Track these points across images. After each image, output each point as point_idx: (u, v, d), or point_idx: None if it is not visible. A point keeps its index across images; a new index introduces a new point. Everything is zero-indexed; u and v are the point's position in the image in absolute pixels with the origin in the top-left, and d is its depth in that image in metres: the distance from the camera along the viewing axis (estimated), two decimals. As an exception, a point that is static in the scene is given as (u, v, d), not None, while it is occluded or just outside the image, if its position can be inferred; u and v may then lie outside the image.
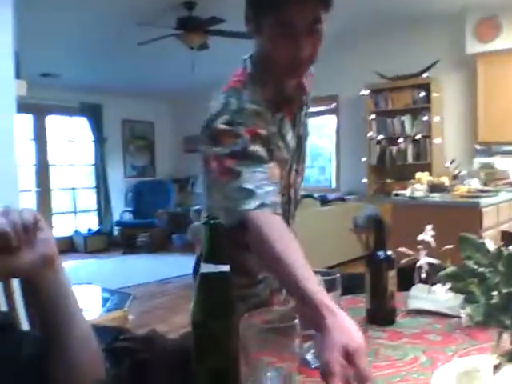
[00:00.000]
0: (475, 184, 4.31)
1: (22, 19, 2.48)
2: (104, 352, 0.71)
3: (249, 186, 1.02)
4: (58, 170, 7.93)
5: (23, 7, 2.61)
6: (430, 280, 1.18)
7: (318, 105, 6.48)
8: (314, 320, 0.78)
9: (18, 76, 2.40)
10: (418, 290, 1.22)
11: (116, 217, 8.24)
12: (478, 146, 5.54)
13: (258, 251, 0.99)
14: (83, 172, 8.35)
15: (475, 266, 0.72)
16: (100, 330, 1.31)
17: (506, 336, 0.72)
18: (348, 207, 5.79)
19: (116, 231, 8.14)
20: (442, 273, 0.76)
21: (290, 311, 0.81)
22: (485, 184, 4.42)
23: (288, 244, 0.93)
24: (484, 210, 3.49)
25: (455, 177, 4.41)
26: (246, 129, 1.08)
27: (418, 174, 4.13)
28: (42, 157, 7.64)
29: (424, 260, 1.19)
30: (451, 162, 4.86)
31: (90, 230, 7.98)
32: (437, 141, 5.85)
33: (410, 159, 6.01)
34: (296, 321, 0.71)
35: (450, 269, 0.75)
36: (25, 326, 1.22)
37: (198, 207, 6.18)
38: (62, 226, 7.86)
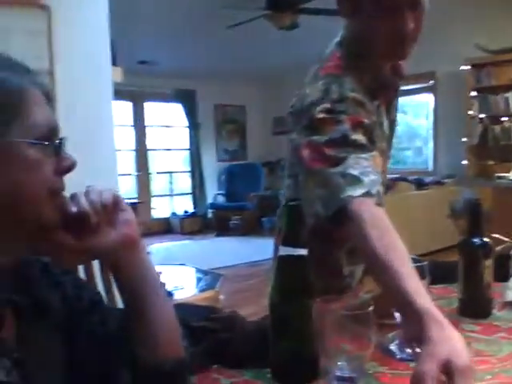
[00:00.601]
0: None
1: (117, 6, 2.58)
2: (183, 330, 0.72)
3: (354, 171, 0.94)
4: (155, 154, 8.34)
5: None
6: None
7: (414, 82, 6.17)
8: (417, 331, 0.68)
9: (114, 63, 2.52)
10: (519, 280, 1.13)
11: (210, 199, 8.52)
12: None
13: (357, 245, 0.91)
14: (179, 156, 8.72)
15: None
16: (192, 308, 1.36)
17: None
18: (446, 191, 5.48)
19: (210, 213, 8.42)
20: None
21: (367, 299, 0.78)
22: None
23: (389, 244, 0.83)
24: None
25: None
26: (347, 117, 1.01)
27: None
28: (141, 142, 8.07)
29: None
30: None
31: (186, 211, 8.35)
32: (546, 118, 5.36)
33: (514, 139, 5.58)
34: (371, 308, 0.68)
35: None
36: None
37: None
38: (160, 208, 8.29)
